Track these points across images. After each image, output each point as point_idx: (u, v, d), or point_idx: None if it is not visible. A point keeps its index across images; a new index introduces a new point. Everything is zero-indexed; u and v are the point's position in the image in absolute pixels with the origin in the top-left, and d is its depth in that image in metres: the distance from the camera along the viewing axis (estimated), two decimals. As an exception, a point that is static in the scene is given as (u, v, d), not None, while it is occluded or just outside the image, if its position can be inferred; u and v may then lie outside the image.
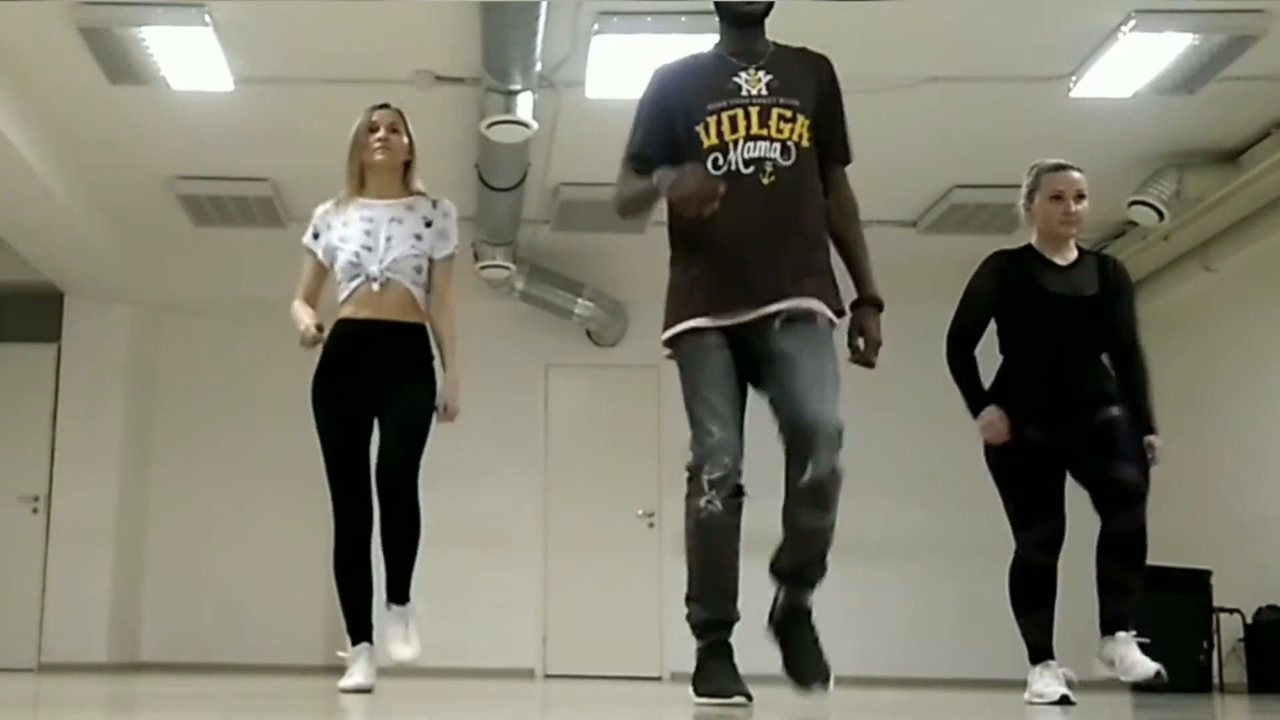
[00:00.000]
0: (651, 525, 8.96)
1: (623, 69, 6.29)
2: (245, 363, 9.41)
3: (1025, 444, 4.28)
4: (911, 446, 8.97)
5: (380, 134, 4.37)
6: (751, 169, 3.28)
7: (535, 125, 6.42)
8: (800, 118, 3.36)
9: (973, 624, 8.50)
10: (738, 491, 3.26)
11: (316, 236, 4.41)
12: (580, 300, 8.85)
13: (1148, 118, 6.91)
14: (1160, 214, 7.30)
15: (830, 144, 3.49)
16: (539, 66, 6.09)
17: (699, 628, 3.31)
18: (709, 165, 3.28)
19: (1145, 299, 8.93)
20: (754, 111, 3.33)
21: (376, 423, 4.25)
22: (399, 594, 4.27)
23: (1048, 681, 4.36)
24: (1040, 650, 4.44)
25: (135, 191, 8.13)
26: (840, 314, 3.41)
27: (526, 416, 9.26)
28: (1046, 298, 4.28)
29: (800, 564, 3.33)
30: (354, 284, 4.27)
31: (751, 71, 3.39)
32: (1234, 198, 7.29)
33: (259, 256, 9.16)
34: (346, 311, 4.28)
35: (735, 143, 3.30)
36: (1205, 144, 7.24)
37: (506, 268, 8.57)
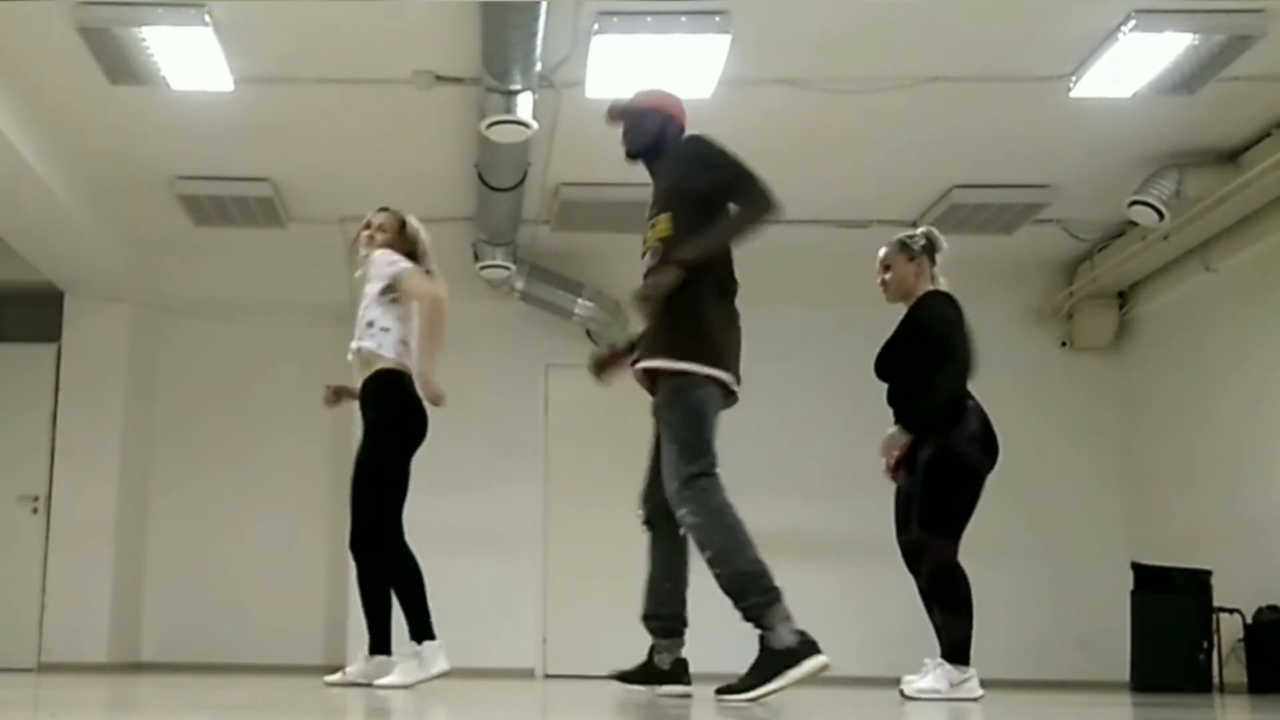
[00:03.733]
0: (651, 525, 8.95)
1: (623, 69, 6.29)
2: (245, 363, 9.41)
3: (979, 468, 4.75)
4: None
5: (363, 233, 5.21)
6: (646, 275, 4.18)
7: (535, 125, 6.42)
8: (660, 218, 4.26)
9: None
10: None
11: None
12: (580, 300, 8.84)
13: (1148, 118, 6.91)
14: (1160, 214, 7.29)
15: (732, 194, 4.14)
16: (539, 66, 6.09)
17: (773, 591, 3.76)
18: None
19: (1145, 299, 8.96)
20: (648, 231, 4.35)
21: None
22: (410, 633, 4.84)
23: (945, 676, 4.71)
24: (962, 650, 4.76)
25: (135, 191, 8.13)
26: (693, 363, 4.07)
27: (526, 416, 9.26)
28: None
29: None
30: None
31: (651, 213, 4.35)
32: (1234, 198, 7.29)
33: (259, 256, 9.16)
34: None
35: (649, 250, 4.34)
36: (1205, 144, 7.24)
37: (506, 268, 8.57)
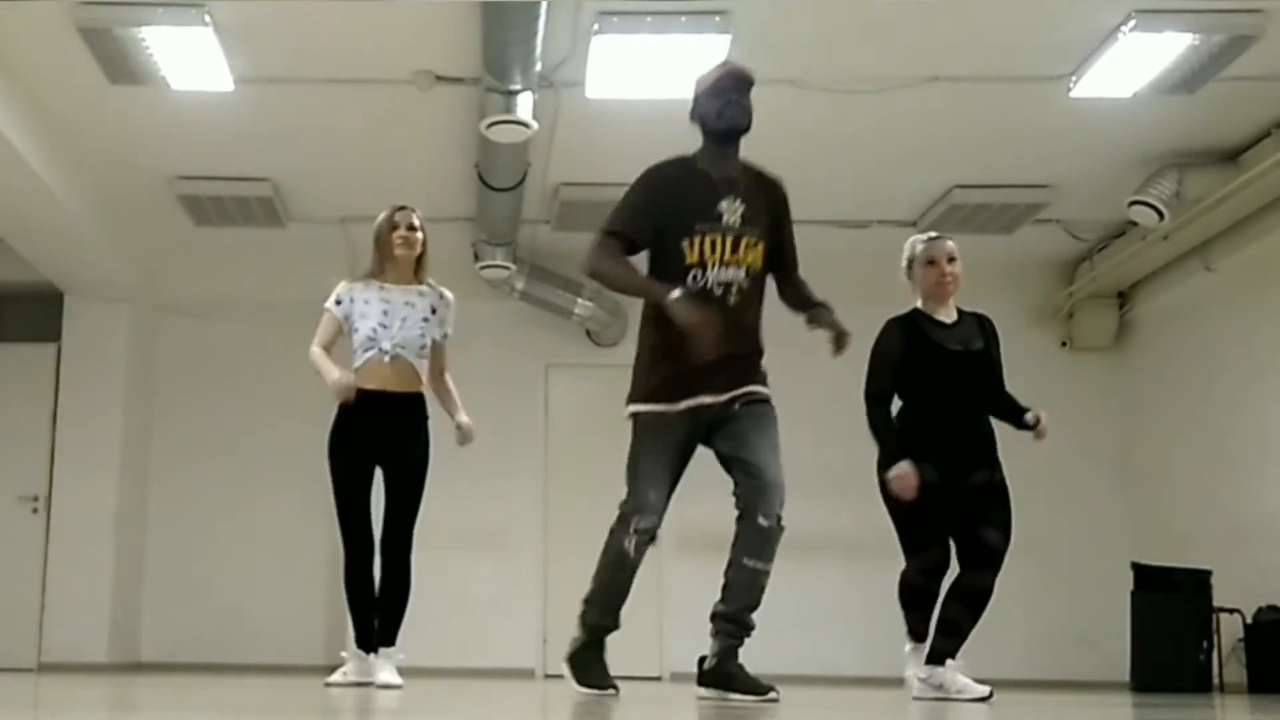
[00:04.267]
0: (651, 525, 8.95)
1: (623, 69, 6.29)
2: (245, 363, 9.40)
3: (920, 483, 4.70)
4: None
5: (400, 231, 5.11)
6: (721, 290, 3.92)
7: (535, 125, 6.42)
8: (760, 245, 4.00)
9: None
10: (652, 539, 4.03)
11: (339, 303, 5.15)
12: (580, 300, 8.85)
13: (1148, 118, 6.91)
14: (1160, 214, 7.29)
15: (783, 260, 4.14)
16: (539, 66, 6.09)
17: (590, 629, 4.09)
18: (689, 279, 3.90)
19: (1145, 299, 8.96)
20: (729, 239, 3.95)
21: (381, 475, 5.11)
22: (388, 639, 5.07)
23: (915, 662, 4.83)
24: (919, 635, 4.87)
25: (135, 191, 8.13)
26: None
27: (526, 416, 9.25)
28: (943, 353, 4.82)
29: (741, 607, 3.93)
30: (368, 355, 5.04)
31: (731, 200, 3.98)
32: (1234, 198, 7.29)
33: (259, 256, 9.16)
34: (358, 381, 5.01)
35: (713, 264, 3.93)
36: (1205, 144, 7.24)
37: (506, 268, 8.57)
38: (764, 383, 4.03)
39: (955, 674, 4.69)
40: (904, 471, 4.69)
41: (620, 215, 4.03)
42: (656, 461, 3.97)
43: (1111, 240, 8.73)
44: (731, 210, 3.97)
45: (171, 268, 9.22)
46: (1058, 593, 8.92)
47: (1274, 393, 7.64)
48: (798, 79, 6.54)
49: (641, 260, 4.09)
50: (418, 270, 5.19)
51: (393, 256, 5.11)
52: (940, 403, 4.81)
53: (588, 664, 4.07)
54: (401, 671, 5.06)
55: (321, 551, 9.23)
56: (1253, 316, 7.83)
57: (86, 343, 9.00)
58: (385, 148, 7.54)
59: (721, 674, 3.90)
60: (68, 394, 8.99)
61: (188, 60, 6.24)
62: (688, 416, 3.94)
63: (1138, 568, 7.77)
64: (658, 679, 8.49)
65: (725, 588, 3.93)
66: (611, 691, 4.00)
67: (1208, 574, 7.55)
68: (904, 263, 4.99)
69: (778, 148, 7.35)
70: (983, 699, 4.56)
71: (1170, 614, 7.50)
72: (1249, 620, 7.48)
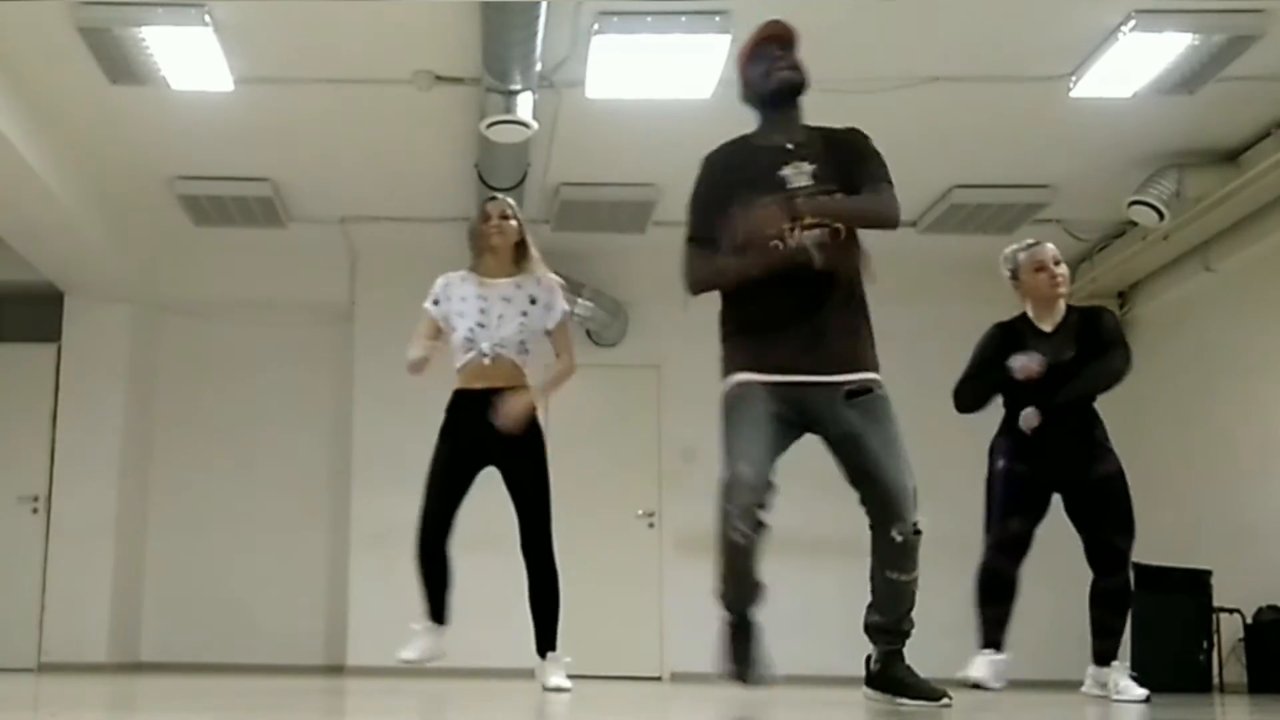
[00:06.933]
0: (651, 525, 8.94)
1: (623, 69, 6.29)
2: (245, 363, 9.40)
3: (1012, 472, 4.95)
4: (914, 448, 8.96)
5: (493, 221, 4.96)
6: (806, 255, 3.54)
7: (535, 125, 6.42)
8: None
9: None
10: (758, 525, 3.53)
11: (436, 303, 5.01)
12: (580, 300, 8.84)
13: (1148, 118, 6.91)
14: (1160, 214, 7.29)
15: (872, 186, 3.74)
16: (539, 66, 6.09)
17: (726, 611, 3.66)
18: (772, 250, 3.53)
19: (1145, 299, 8.95)
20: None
21: (502, 481, 5.05)
22: (548, 644, 5.09)
23: (984, 665, 4.89)
24: (988, 639, 4.97)
25: (135, 191, 8.13)
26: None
27: (526, 416, 9.25)
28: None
29: (893, 618, 3.69)
30: (468, 356, 4.94)
31: (797, 164, 3.65)
32: (1234, 198, 7.29)
33: (259, 256, 9.16)
34: (462, 382, 4.95)
35: (790, 230, 3.53)
36: (1205, 144, 7.24)
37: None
38: (874, 366, 3.65)
39: (1121, 674, 4.90)
40: (1027, 413, 4.86)
41: (691, 219, 3.73)
42: (742, 435, 3.55)
43: (1111, 240, 8.73)
44: (799, 173, 3.64)
45: (171, 268, 9.22)
46: (1058, 592, 8.90)
47: (1274, 392, 7.64)
48: (798, 79, 6.54)
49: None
50: (519, 260, 5.01)
51: (490, 247, 4.96)
52: (1025, 406, 4.94)
53: (732, 649, 3.66)
54: (402, 671, 5.06)
55: (322, 551, 9.24)
56: (1253, 316, 7.82)
57: (86, 343, 9.00)
58: (385, 148, 7.54)
59: (890, 679, 3.72)
60: (68, 394, 8.99)
61: (188, 60, 6.24)
62: (780, 392, 3.55)
63: (1138, 568, 7.75)
64: (658, 679, 8.48)
65: (873, 598, 3.70)
66: (760, 687, 3.62)
67: (1208, 574, 7.55)
68: (1006, 273, 5.05)
69: (778, 148, 7.38)
70: (1140, 701, 4.75)
71: (1170, 614, 7.49)
72: (1249, 620, 7.49)
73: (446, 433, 4.97)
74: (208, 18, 5.85)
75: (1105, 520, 4.93)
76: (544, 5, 5.49)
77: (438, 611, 5.07)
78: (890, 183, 3.75)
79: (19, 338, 9.30)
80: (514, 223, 4.98)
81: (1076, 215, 8.44)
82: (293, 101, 6.90)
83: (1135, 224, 7.79)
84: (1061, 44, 6.20)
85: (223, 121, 7.11)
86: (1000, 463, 5.01)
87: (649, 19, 5.86)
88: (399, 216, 8.62)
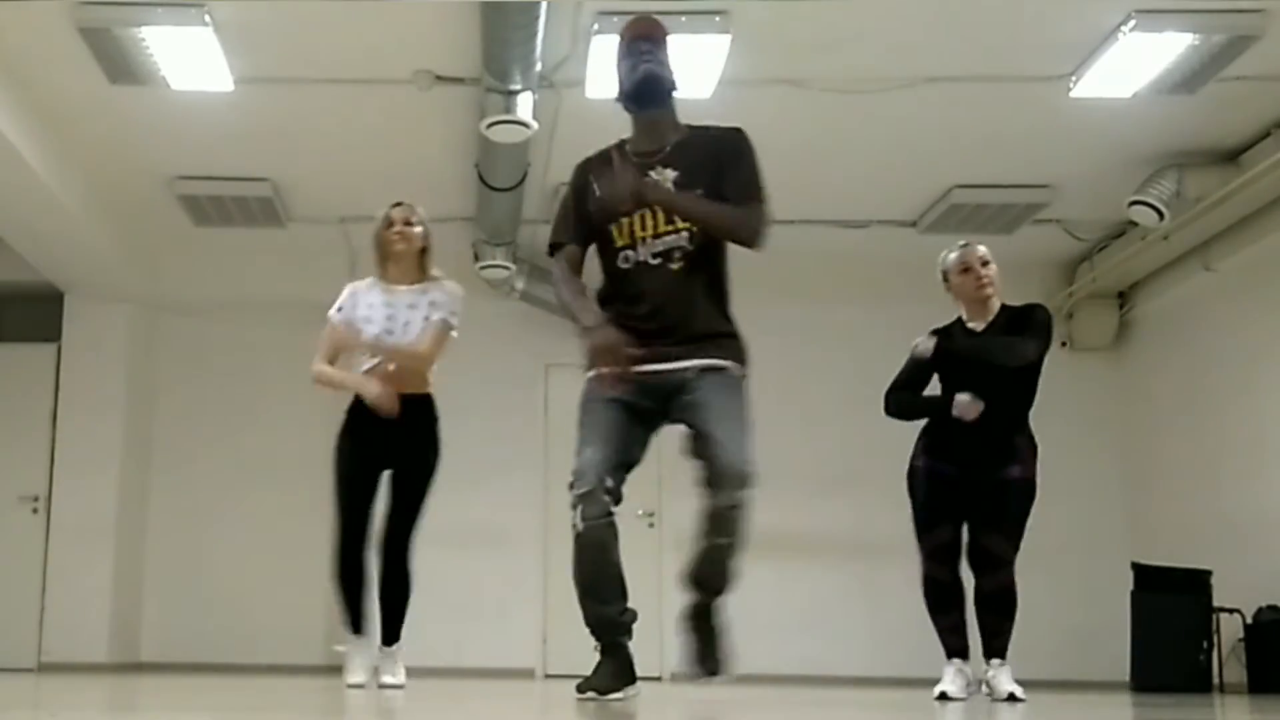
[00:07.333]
0: (651, 525, 8.95)
1: (623, 69, 6.28)
2: (245, 363, 9.40)
3: (933, 472, 4.97)
4: (910, 448, 8.97)
5: (397, 228, 5.00)
6: (659, 260, 3.57)
7: (535, 125, 6.42)
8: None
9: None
10: (603, 514, 3.51)
11: (340, 310, 5.06)
12: (580, 300, 8.84)
13: (1148, 118, 6.91)
14: (1160, 214, 7.29)
15: (733, 197, 3.60)
16: (539, 66, 6.09)
17: (591, 630, 3.71)
18: (619, 261, 3.60)
19: (1145, 299, 8.95)
20: (660, 210, 3.56)
21: (388, 476, 5.00)
22: (391, 637, 5.07)
23: (951, 678, 4.93)
24: (950, 647, 5.00)
25: (135, 191, 8.13)
26: (744, 374, 3.67)
27: (526, 416, 9.25)
28: (953, 359, 4.95)
29: (703, 575, 3.60)
30: (374, 363, 4.96)
31: (658, 170, 3.61)
32: (1234, 198, 7.29)
33: (259, 256, 9.16)
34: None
35: (644, 239, 3.58)
36: (1205, 144, 7.24)
37: (506, 268, 8.56)
38: (726, 355, 3.61)
39: (995, 671, 4.85)
40: (963, 398, 4.83)
41: (553, 225, 3.85)
42: (587, 425, 3.60)
43: (1111, 240, 8.73)
44: (661, 179, 3.60)
45: (171, 268, 9.22)
46: (1057, 592, 8.91)
47: (1274, 393, 7.64)
48: (798, 79, 6.54)
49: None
50: (422, 266, 5.06)
51: (393, 254, 5.00)
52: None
53: (595, 670, 3.71)
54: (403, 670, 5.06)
55: (321, 551, 9.21)
56: (1253, 316, 7.82)
57: (86, 343, 9.01)
58: (385, 148, 7.54)
59: (686, 631, 3.73)
60: (68, 394, 8.99)
61: (188, 60, 6.24)
62: (635, 382, 3.56)
63: (1138, 568, 7.77)
64: (658, 679, 8.48)
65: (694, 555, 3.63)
66: (615, 697, 3.67)
67: (1208, 574, 7.55)
68: (939, 277, 5.08)
69: (778, 148, 7.36)
70: (1003, 699, 4.69)
71: (1170, 614, 7.49)
72: (1249, 620, 7.48)
73: (347, 433, 5.01)
74: (208, 18, 5.85)
75: (988, 522, 4.88)
76: (544, 5, 5.49)
77: (357, 622, 5.08)
78: (761, 193, 3.64)
79: (19, 338, 9.30)
80: (418, 229, 5.03)
81: (1076, 215, 8.44)
82: (293, 101, 6.90)
83: (1135, 224, 7.79)
84: (1061, 44, 6.20)
85: (223, 121, 7.11)
86: (921, 461, 5.04)
87: (649, 19, 5.85)
88: (399, 216, 8.61)
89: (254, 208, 8.27)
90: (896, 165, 7.65)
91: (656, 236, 3.58)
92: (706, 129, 3.74)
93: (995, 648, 4.86)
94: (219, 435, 9.35)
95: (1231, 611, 7.57)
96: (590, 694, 3.62)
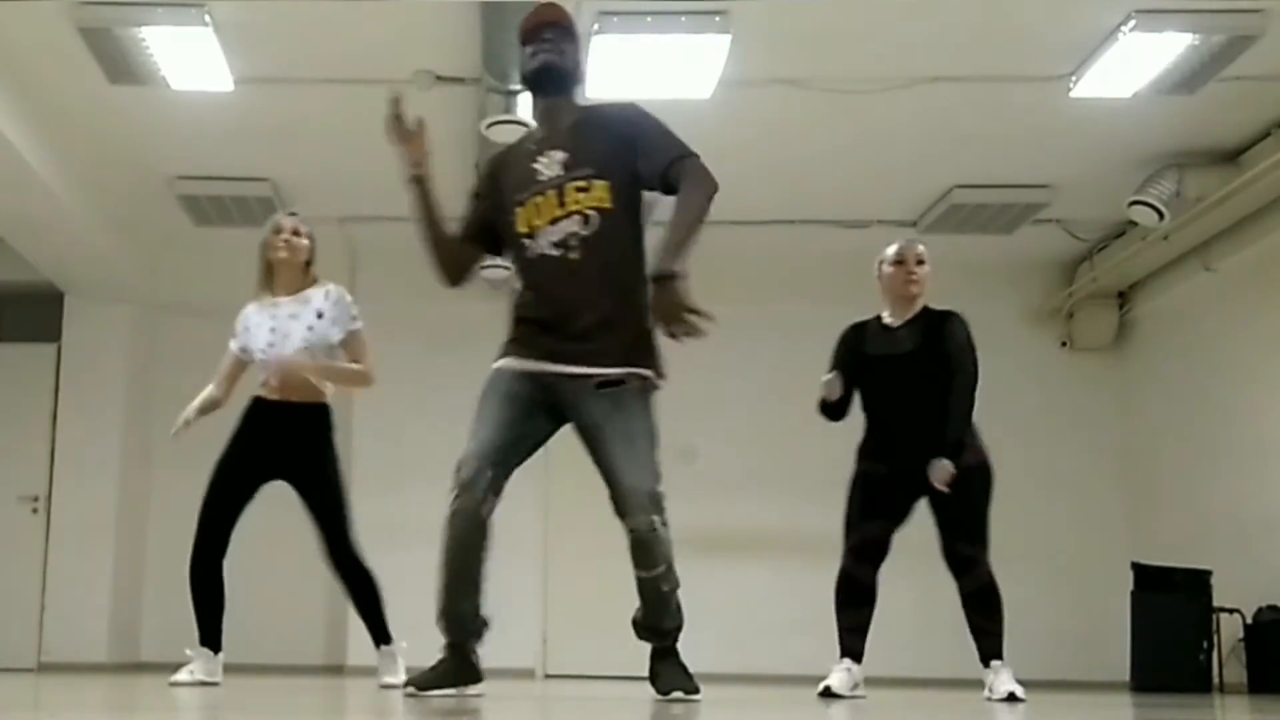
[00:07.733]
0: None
1: (623, 69, 6.29)
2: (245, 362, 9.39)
3: (869, 475, 4.95)
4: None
5: (283, 235, 5.03)
6: (559, 250, 3.54)
7: (535, 125, 6.41)
8: (596, 183, 3.54)
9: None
10: (480, 502, 3.57)
11: (235, 337, 5.20)
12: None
13: (1148, 118, 6.91)
14: (1160, 214, 7.29)
15: (653, 167, 3.56)
16: (539, 66, 6.08)
17: (440, 625, 3.62)
18: (525, 251, 3.62)
19: (1145, 299, 8.95)
20: (551, 194, 3.57)
21: (296, 492, 5.14)
22: (381, 639, 5.08)
23: (838, 674, 4.90)
24: (846, 648, 5.00)
25: (135, 191, 8.13)
26: (658, 373, 3.62)
27: (526, 416, 9.25)
28: (867, 359, 4.98)
29: (648, 620, 3.67)
30: (264, 375, 5.08)
31: (549, 154, 3.63)
32: (1234, 198, 7.29)
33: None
34: (261, 391, 5.11)
35: (541, 229, 3.57)
36: (1205, 144, 7.24)
37: (507, 267, 8.54)
38: (639, 361, 3.55)
39: (994, 673, 4.78)
40: (823, 379, 4.94)
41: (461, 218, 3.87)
42: (480, 415, 3.63)
43: (1111, 240, 8.73)
44: (550, 164, 3.61)
45: (171, 268, 9.22)
46: (1058, 593, 8.91)
47: (1274, 393, 7.64)
48: (798, 79, 6.54)
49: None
50: (305, 277, 5.09)
51: (278, 260, 5.03)
52: (875, 405, 4.99)
53: (433, 666, 3.62)
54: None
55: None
56: (1253, 316, 7.82)
57: (86, 343, 9.00)
58: (385, 148, 7.45)
59: (651, 674, 3.77)
60: (68, 394, 8.99)
61: (188, 60, 6.24)
62: (534, 378, 3.59)
63: (1138, 568, 7.77)
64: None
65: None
66: (436, 693, 3.56)
67: (1208, 574, 7.55)
68: (875, 269, 5.09)
69: (778, 148, 7.38)
70: (1003, 699, 4.64)
71: (1170, 614, 7.50)
72: (1249, 620, 7.49)
73: (234, 440, 5.14)
74: (208, 18, 5.85)
75: (953, 524, 4.82)
76: (544, 5, 5.48)
77: (206, 634, 5.06)
78: (681, 144, 3.60)
79: (19, 338, 9.30)
80: (305, 241, 5.06)
81: (1076, 215, 8.44)
82: (293, 101, 6.90)
83: (1135, 224, 7.79)
84: (1061, 44, 6.20)
85: (223, 121, 7.11)
86: (857, 465, 5.03)
87: (649, 19, 5.86)
88: (399, 216, 8.54)
89: (254, 208, 8.27)
90: (896, 165, 7.65)
91: (552, 223, 3.56)
92: (600, 108, 3.78)
93: (990, 649, 4.83)
94: (218, 435, 9.32)
95: (1231, 611, 7.57)
96: (410, 689, 3.57)
